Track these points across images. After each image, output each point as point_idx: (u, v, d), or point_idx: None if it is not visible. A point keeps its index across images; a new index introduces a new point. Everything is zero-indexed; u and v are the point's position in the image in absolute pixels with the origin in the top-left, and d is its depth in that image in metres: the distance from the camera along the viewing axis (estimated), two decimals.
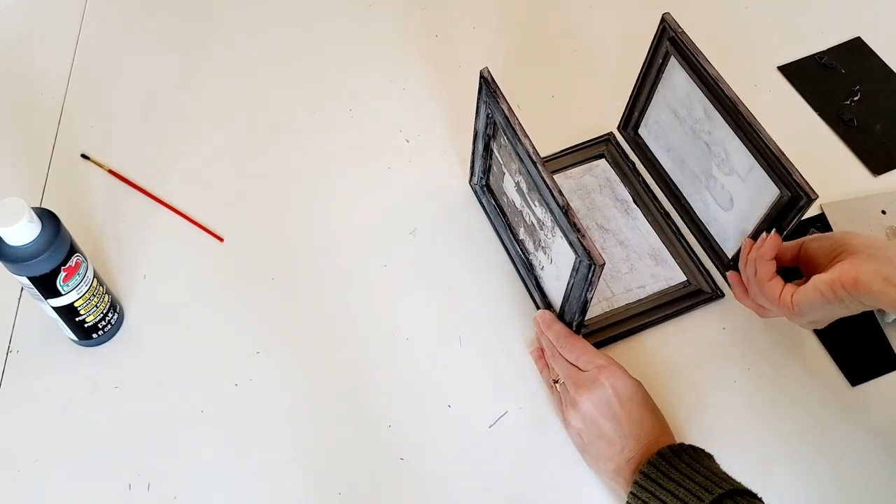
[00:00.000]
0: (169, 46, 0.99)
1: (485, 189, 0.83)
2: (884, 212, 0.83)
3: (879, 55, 0.97)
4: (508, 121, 0.69)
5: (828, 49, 0.98)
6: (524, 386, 0.74)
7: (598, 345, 0.74)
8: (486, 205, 0.83)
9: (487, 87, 0.72)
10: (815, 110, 0.92)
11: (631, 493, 0.61)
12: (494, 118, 0.73)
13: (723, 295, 0.77)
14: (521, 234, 0.77)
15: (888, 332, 0.76)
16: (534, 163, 0.66)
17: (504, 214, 0.81)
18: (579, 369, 0.67)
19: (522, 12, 1.02)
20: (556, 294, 0.72)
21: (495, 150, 0.77)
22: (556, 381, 0.71)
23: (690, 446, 0.62)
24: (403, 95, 0.94)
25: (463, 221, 0.84)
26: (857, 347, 0.75)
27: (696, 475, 0.59)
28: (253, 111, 0.93)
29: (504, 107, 0.70)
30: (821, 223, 0.83)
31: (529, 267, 0.78)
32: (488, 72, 0.72)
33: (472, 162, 0.82)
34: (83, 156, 0.88)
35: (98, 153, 0.89)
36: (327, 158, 0.89)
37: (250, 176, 0.87)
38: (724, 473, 0.60)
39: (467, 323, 0.77)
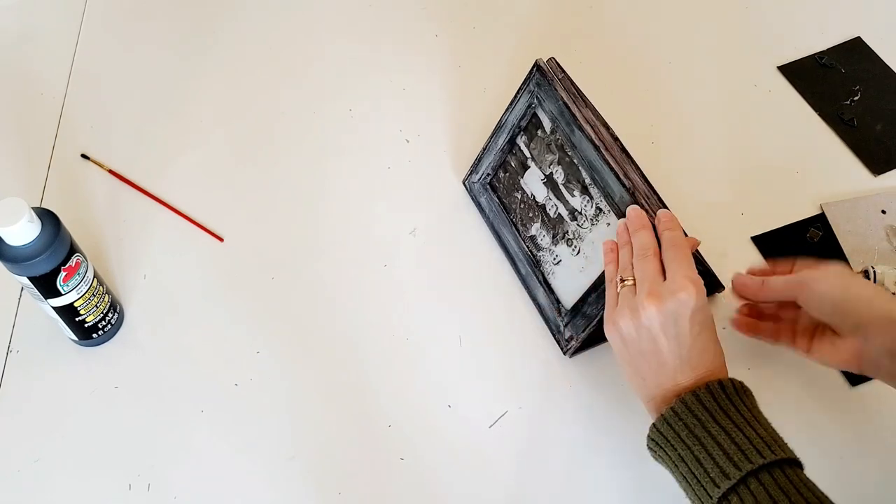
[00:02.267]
0: (169, 46, 0.99)
1: (487, 186, 0.83)
2: (884, 211, 0.83)
3: (879, 55, 0.97)
4: (569, 108, 0.69)
5: (828, 49, 0.98)
6: (524, 386, 0.73)
7: (600, 342, 0.74)
8: (484, 203, 0.83)
9: (543, 76, 0.71)
10: (815, 110, 0.92)
11: (663, 416, 0.58)
12: (538, 108, 0.73)
13: (723, 287, 0.77)
14: (535, 229, 0.77)
15: None
16: (596, 147, 0.67)
17: (507, 212, 0.81)
18: (664, 278, 0.61)
19: (522, 12, 1.02)
20: (573, 287, 0.72)
21: (521, 144, 0.77)
22: (623, 281, 0.63)
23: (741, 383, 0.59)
24: (403, 95, 0.94)
25: (463, 221, 0.84)
26: None
27: (749, 427, 0.56)
28: (253, 111, 0.93)
29: (563, 94, 0.70)
30: (820, 223, 0.83)
31: (535, 264, 0.78)
32: (554, 61, 0.72)
33: (479, 158, 0.82)
34: (83, 156, 0.88)
35: (98, 153, 0.89)
36: (327, 158, 0.89)
37: (250, 176, 0.88)
38: (775, 433, 0.57)
39: (467, 323, 0.77)
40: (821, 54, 0.97)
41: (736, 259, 0.81)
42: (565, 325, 0.74)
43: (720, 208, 0.84)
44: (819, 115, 0.92)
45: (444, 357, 0.75)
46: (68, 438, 0.71)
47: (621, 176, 0.66)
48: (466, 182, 0.85)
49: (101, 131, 0.91)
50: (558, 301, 0.75)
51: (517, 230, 0.80)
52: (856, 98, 0.93)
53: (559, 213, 0.74)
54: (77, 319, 0.71)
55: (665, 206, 0.67)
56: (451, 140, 0.90)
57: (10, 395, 0.73)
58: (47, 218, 0.66)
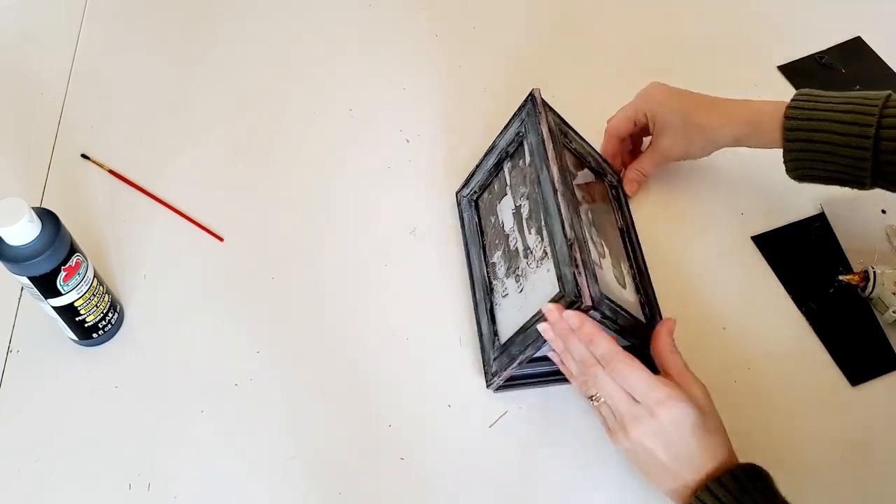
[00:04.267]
0: (169, 46, 0.99)
1: (472, 203, 0.83)
2: (884, 211, 0.83)
3: (879, 55, 0.97)
4: (543, 144, 0.69)
5: (828, 49, 0.98)
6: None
7: (532, 386, 0.73)
8: (466, 218, 0.82)
9: (534, 106, 0.71)
10: None
11: None
12: (524, 137, 0.73)
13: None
14: (496, 257, 0.76)
15: (888, 332, 0.76)
16: (554, 191, 0.66)
17: (482, 234, 0.80)
18: (633, 398, 0.61)
19: (522, 12, 1.02)
20: (511, 323, 0.71)
21: (506, 170, 0.77)
22: (593, 398, 0.64)
23: (753, 468, 0.60)
24: (403, 95, 0.94)
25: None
26: (857, 347, 0.75)
27: None
28: (253, 111, 0.93)
29: (544, 129, 0.70)
30: (820, 222, 0.82)
31: (489, 291, 0.76)
32: (539, 93, 0.73)
33: (472, 174, 0.82)
34: (83, 156, 0.88)
35: (98, 153, 0.89)
36: (327, 158, 0.89)
37: (250, 176, 0.87)
38: None
39: (467, 323, 0.77)
40: (821, 54, 0.97)
41: (735, 259, 0.81)
42: (494, 359, 0.72)
43: (720, 208, 0.84)
44: None
45: (444, 357, 0.75)
46: (68, 438, 0.71)
47: (566, 224, 0.65)
48: (458, 194, 0.84)
49: (101, 131, 0.91)
50: (496, 333, 0.74)
51: (484, 254, 0.79)
52: None
53: (517, 247, 0.73)
54: (77, 319, 0.71)
55: (591, 265, 0.65)
56: (452, 140, 0.90)
57: (10, 395, 0.73)
58: (47, 218, 0.66)
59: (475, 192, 0.82)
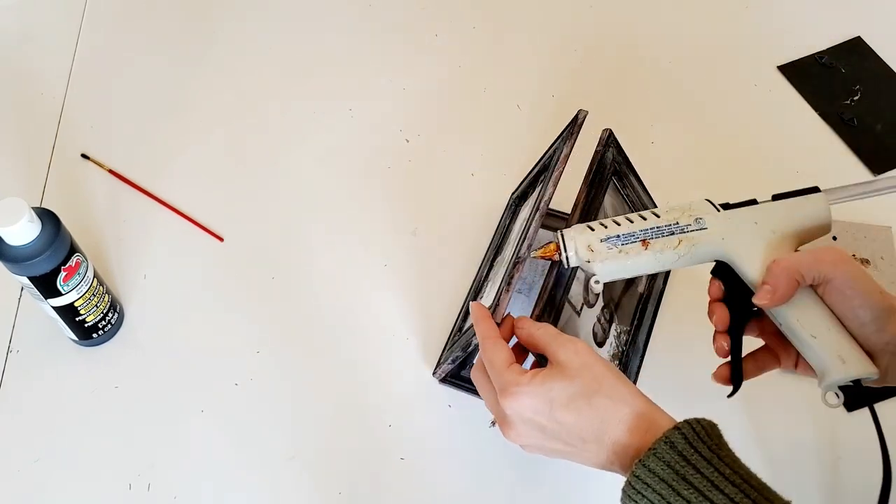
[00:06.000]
0: (169, 46, 0.99)
1: (510, 206, 0.83)
2: (835, 237, 0.80)
3: (879, 55, 0.97)
4: (556, 164, 0.68)
5: (828, 49, 0.98)
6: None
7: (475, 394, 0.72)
8: (502, 219, 0.83)
9: (572, 126, 0.70)
10: (815, 110, 0.92)
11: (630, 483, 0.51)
12: (554, 153, 0.72)
13: None
14: (499, 261, 0.76)
15: None
16: (536, 209, 0.66)
17: (504, 236, 0.80)
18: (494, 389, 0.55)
19: (522, 12, 1.02)
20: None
21: (539, 182, 0.77)
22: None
23: (694, 427, 0.50)
24: (403, 95, 0.94)
25: (464, 222, 0.84)
26: None
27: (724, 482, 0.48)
28: (253, 111, 0.93)
29: (566, 150, 0.68)
30: None
31: (479, 290, 0.76)
32: (583, 117, 0.70)
33: (524, 180, 0.82)
34: (83, 156, 0.88)
35: (98, 153, 0.89)
36: (327, 158, 0.89)
37: (250, 176, 0.88)
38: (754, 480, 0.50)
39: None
40: (821, 54, 0.97)
41: None
42: (448, 349, 0.73)
43: None
44: (819, 115, 0.92)
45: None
46: (68, 438, 0.71)
47: (523, 243, 0.63)
48: (513, 195, 0.84)
49: (101, 131, 0.91)
50: (461, 329, 0.73)
51: (495, 255, 0.79)
52: (856, 98, 0.93)
53: (506, 256, 0.72)
54: (77, 319, 0.71)
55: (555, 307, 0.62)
56: (452, 140, 0.90)
57: (10, 395, 0.73)
58: (47, 218, 0.66)
59: (518, 197, 0.82)
